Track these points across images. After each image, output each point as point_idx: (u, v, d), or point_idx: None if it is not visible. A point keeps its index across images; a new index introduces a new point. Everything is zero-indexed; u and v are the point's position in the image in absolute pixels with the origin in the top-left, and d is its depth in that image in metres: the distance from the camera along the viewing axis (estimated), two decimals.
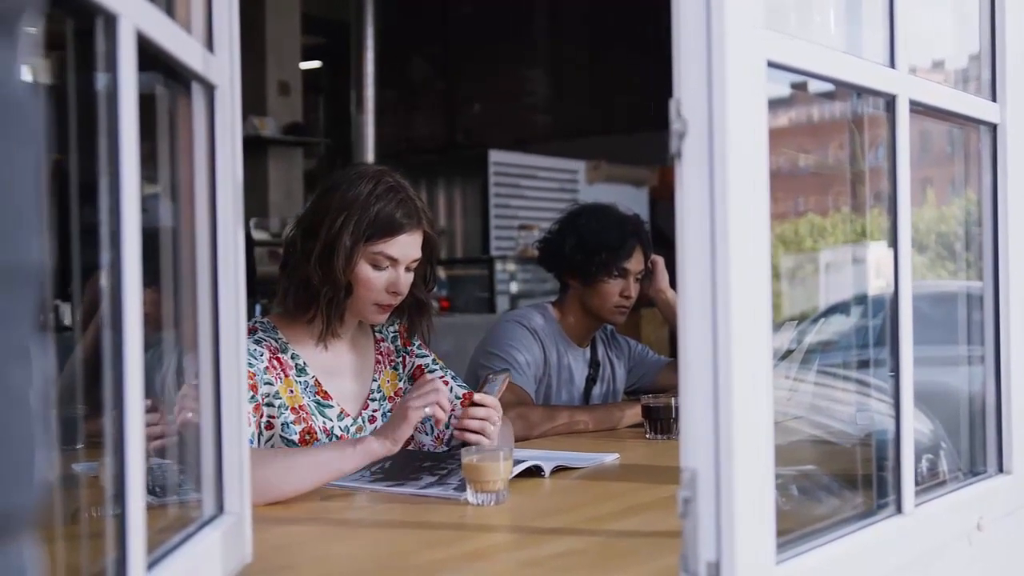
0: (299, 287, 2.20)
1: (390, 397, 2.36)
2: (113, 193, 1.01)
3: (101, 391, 1.04)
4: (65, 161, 1.00)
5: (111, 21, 0.99)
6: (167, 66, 1.22)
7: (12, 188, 0.55)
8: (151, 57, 1.12)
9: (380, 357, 2.38)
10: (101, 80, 1.02)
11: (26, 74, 0.58)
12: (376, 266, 2.19)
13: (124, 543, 1.00)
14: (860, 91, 1.54)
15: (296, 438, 2.15)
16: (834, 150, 2.04)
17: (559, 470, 2.18)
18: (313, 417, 2.19)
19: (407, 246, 2.21)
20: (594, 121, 9.53)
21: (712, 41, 1.15)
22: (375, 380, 2.35)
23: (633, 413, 2.81)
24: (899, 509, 1.49)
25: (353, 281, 2.19)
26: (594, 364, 3.13)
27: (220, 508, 1.37)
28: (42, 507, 0.60)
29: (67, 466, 1.40)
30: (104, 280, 1.01)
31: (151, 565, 1.09)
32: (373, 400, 2.33)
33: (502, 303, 7.29)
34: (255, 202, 7.19)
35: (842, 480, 1.70)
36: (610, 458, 2.34)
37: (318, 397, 2.22)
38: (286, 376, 2.18)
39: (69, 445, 1.39)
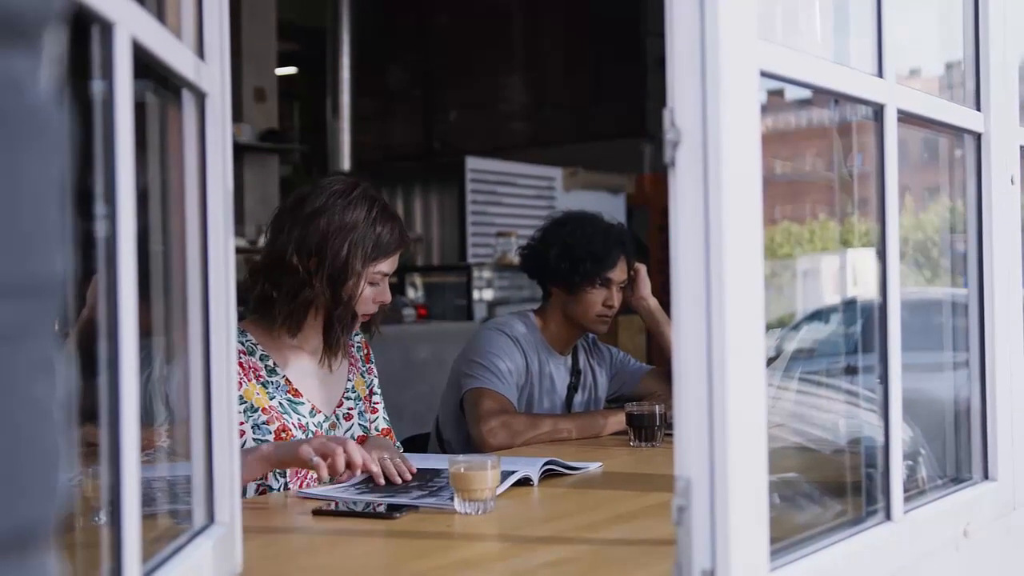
0: (303, 308, 2.27)
1: (364, 397, 2.45)
2: (109, 200, 1.00)
3: (85, 400, 1.03)
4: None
5: (107, 29, 0.99)
6: (158, 73, 1.21)
7: (38, 199, 0.55)
8: (143, 64, 1.11)
9: (352, 360, 2.47)
10: (96, 87, 1.01)
11: (48, 85, 0.58)
12: (372, 283, 2.30)
13: (119, 553, 0.99)
14: (849, 100, 1.55)
15: (271, 437, 2.21)
16: (810, 158, 2.05)
17: (547, 476, 2.18)
18: (285, 416, 2.25)
19: (396, 261, 2.35)
20: (571, 128, 9.56)
21: (706, 50, 1.15)
22: (350, 380, 2.43)
23: (616, 421, 2.82)
24: (888, 516, 1.49)
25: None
26: (576, 372, 3.14)
27: (211, 518, 1.36)
28: (62, 519, 0.59)
29: None
30: (100, 288, 1.00)
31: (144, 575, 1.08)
32: (348, 399, 2.41)
33: (479, 311, 7.29)
34: None
35: (829, 488, 1.71)
36: (594, 466, 2.34)
37: (289, 395, 2.28)
38: (250, 380, 2.24)
39: None
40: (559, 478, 2.21)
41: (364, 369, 2.49)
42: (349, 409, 2.40)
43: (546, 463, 2.19)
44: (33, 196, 0.55)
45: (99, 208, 1.00)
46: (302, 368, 2.33)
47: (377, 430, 2.41)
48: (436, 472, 2.17)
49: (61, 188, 0.58)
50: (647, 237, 7.45)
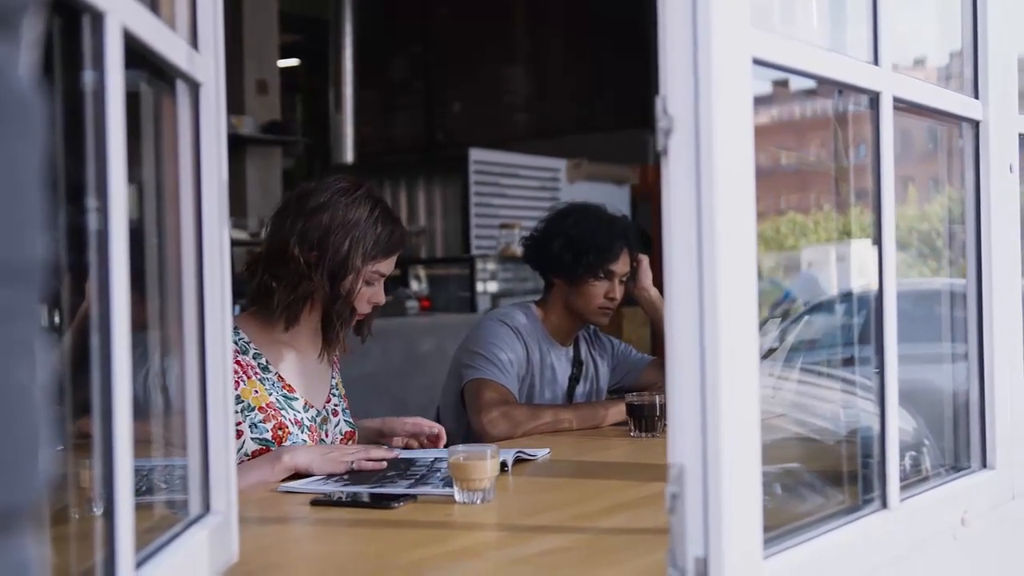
0: (301, 300, 2.28)
1: (344, 395, 2.50)
2: (100, 193, 1.00)
3: (83, 392, 1.03)
4: (50, 160, 0.99)
5: (98, 19, 0.99)
6: (151, 64, 1.21)
7: (16, 184, 0.55)
8: (135, 55, 1.11)
9: (335, 359, 2.50)
10: (87, 77, 1.01)
11: (27, 71, 0.58)
12: (368, 283, 2.32)
13: (113, 542, 0.99)
14: (844, 88, 1.55)
15: (269, 435, 2.24)
16: (815, 148, 2.04)
17: (518, 462, 2.22)
18: (283, 412, 2.28)
19: (393, 263, 2.37)
20: (575, 119, 9.55)
21: (698, 38, 1.15)
22: (333, 378, 2.47)
23: (617, 411, 2.82)
24: (884, 504, 1.49)
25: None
26: (577, 363, 3.14)
27: (206, 507, 1.36)
28: (45, 503, 0.60)
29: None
30: (91, 281, 1.00)
31: (139, 564, 1.08)
32: (334, 395, 2.45)
33: (483, 303, 7.29)
34: (233, 201, 7.12)
35: (827, 476, 1.71)
36: (543, 453, 2.37)
37: (284, 391, 2.31)
38: (249, 377, 2.26)
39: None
40: (559, 467, 2.22)
41: (339, 368, 2.55)
42: (335, 405, 2.45)
43: (516, 457, 2.23)
44: (13, 182, 0.55)
45: (91, 201, 1.00)
46: (292, 364, 2.36)
47: (341, 433, 2.43)
48: (411, 462, 2.21)
49: (41, 175, 0.58)
50: (652, 228, 7.44)
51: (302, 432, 2.28)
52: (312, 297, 2.29)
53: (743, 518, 1.18)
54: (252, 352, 2.29)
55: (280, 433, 2.24)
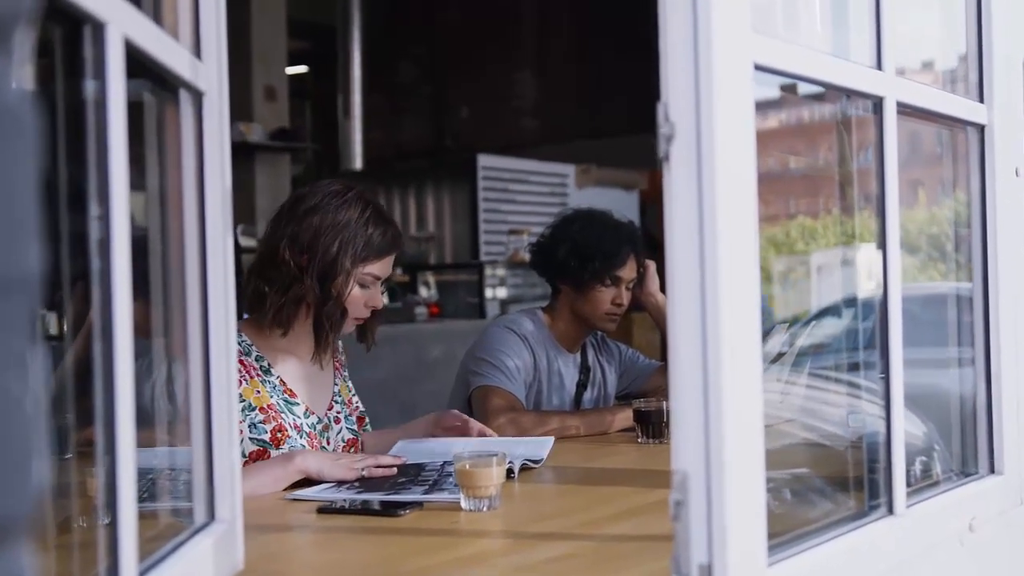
0: (293, 303, 2.28)
1: (347, 402, 2.49)
2: (102, 201, 1.00)
3: (90, 401, 1.04)
4: (51, 168, 0.99)
5: (99, 29, 0.99)
6: (154, 73, 1.22)
7: (9, 196, 0.55)
8: (138, 64, 1.11)
9: (338, 365, 2.50)
10: (89, 87, 1.02)
11: (21, 82, 0.58)
12: (363, 285, 2.32)
13: (116, 550, 1.00)
14: (847, 93, 1.54)
15: (267, 437, 2.24)
16: (824, 152, 2.04)
17: (524, 469, 2.21)
18: (283, 415, 2.28)
19: (389, 265, 2.36)
20: (583, 125, 9.53)
21: (699, 44, 1.15)
22: (336, 385, 2.47)
23: (624, 417, 2.82)
24: (891, 510, 1.49)
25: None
26: (584, 369, 3.13)
27: (211, 516, 1.36)
28: (38, 514, 0.60)
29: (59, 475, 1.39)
30: (94, 289, 1.01)
31: (143, 573, 1.08)
32: (336, 402, 2.45)
33: (492, 308, 7.28)
34: (242, 208, 7.16)
35: (834, 482, 1.71)
36: (546, 447, 2.36)
37: (285, 395, 2.31)
38: (251, 377, 2.27)
39: (59, 455, 1.39)
40: (566, 473, 2.22)
41: (345, 375, 2.54)
42: (337, 413, 2.44)
43: (523, 464, 2.22)
44: (7, 194, 0.55)
45: (93, 210, 1.01)
46: (293, 370, 2.36)
47: (343, 441, 2.43)
48: (421, 467, 2.20)
49: (35, 186, 0.59)
50: (660, 233, 7.41)
51: (301, 437, 2.28)
52: (306, 301, 2.29)
53: (747, 525, 1.17)
54: (255, 355, 2.30)
55: (279, 436, 2.24)
